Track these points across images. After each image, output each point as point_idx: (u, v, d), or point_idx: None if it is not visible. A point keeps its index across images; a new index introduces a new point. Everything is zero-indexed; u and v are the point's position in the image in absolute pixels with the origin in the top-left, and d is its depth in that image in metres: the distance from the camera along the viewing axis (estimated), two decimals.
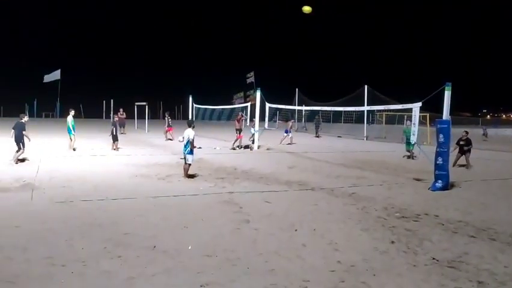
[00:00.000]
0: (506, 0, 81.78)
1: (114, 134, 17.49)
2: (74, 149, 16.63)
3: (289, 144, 22.95)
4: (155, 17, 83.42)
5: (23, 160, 13.32)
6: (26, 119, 13.68)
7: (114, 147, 17.39)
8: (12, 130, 13.09)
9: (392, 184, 11.46)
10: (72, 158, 14.89)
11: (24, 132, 13.07)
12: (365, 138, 29.01)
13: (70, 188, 9.59)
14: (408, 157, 17.14)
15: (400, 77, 79.54)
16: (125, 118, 28.21)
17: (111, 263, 5.23)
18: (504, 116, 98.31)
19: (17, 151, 13.00)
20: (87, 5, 76.81)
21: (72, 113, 16.96)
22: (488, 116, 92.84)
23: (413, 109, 12.63)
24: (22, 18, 73.45)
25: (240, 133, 20.08)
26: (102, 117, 50.02)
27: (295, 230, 6.81)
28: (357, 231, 6.89)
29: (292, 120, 27.03)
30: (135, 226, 6.78)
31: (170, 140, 23.06)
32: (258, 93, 20.90)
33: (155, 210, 7.90)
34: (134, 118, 33.81)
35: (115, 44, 75.72)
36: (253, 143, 20.28)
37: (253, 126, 21.06)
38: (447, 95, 10.87)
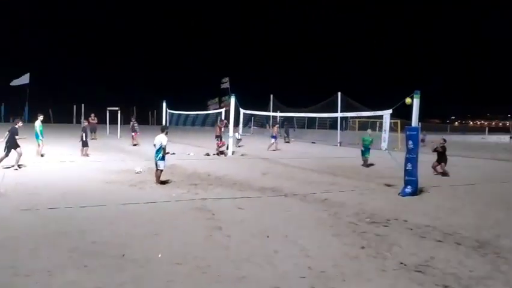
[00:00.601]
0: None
1: (84, 139, 17.13)
2: (42, 155, 16.19)
3: (274, 150, 23.11)
4: (133, 20, 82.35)
5: None
6: (20, 124, 13.46)
7: (84, 153, 17.02)
8: (7, 133, 12.96)
9: (363, 190, 11.63)
10: (40, 164, 14.48)
11: (16, 137, 12.92)
12: (338, 144, 29.35)
13: (36, 195, 9.31)
14: (364, 165, 16.82)
15: (374, 84, 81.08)
16: (96, 123, 27.67)
17: (78, 272, 5.10)
18: (471, 123, 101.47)
19: (5, 156, 12.87)
20: (57, 5, 74.91)
21: (40, 118, 16.53)
22: (456, 123, 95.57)
23: (384, 116, 12.86)
24: None
25: (220, 140, 20.03)
26: (72, 122, 48.91)
27: (268, 237, 6.82)
28: (328, 237, 6.95)
29: (277, 125, 27.17)
30: (104, 234, 6.64)
31: (136, 145, 22.85)
32: (233, 99, 20.89)
33: (125, 218, 7.76)
34: (106, 123, 33.21)
35: (88, 48, 74.41)
36: (227, 148, 20.24)
37: (238, 132, 21.32)
38: (416, 102, 11.13)
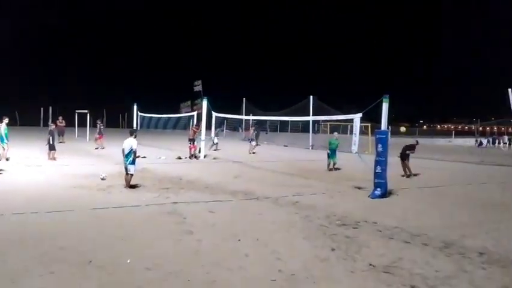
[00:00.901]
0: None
1: (51, 143, 16.69)
2: (7, 159, 15.67)
3: (253, 153, 23.36)
4: (98, 22, 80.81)
5: None
6: (6, 120, 13.00)
7: (51, 157, 16.58)
8: None
9: (334, 192, 11.77)
10: (5, 168, 13.99)
11: None
12: (310, 147, 29.64)
13: (1, 201, 8.99)
14: (329, 169, 16.72)
15: (345, 88, 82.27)
16: (64, 126, 27.02)
17: (43, 280, 4.95)
18: (439, 126, 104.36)
19: None
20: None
21: (6, 120, 15.98)
22: (425, 126, 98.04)
23: (354, 119, 13.08)
24: None
25: (193, 143, 19.88)
26: (40, 125, 47.58)
27: (239, 240, 6.80)
28: (299, 239, 6.99)
29: (253, 128, 27.16)
30: (71, 240, 6.47)
31: (101, 148, 22.52)
32: (205, 102, 20.78)
33: (94, 223, 7.59)
34: (75, 126, 32.45)
35: (55, 48, 72.44)
36: (199, 152, 20.12)
37: (217, 135, 21.33)
38: (385, 106, 11.38)
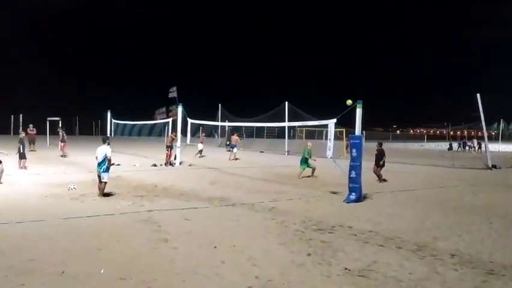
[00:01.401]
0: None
1: (21, 151, 16.27)
2: None
3: (236, 159, 23.52)
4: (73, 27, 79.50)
5: None
6: None
7: (21, 166, 16.15)
8: None
9: (310, 197, 11.86)
10: None
11: None
12: (286, 153, 29.81)
13: None
14: (299, 176, 16.33)
15: (319, 94, 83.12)
16: (35, 134, 26.36)
17: None
18: (412, 131, 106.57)
19: None
20: None
21: None
22: (398, 131, 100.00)
23: (329, 125, 13.23)
24: None
25: (170, 150, 19.70)
26: (10, 133, 46.28)
27: (215, 247, 6.76)
28: (275, 245, 7.00)
29: (236, 134, 27.15)
30: (42, 251, 6.30)
31: (65, 156, 22.09)
32: (180, 109, 20.66)
33: (66, 233, 7.41)
34: (47, 134, 31.71)
35: (27, 55, 70.72)
36: (175, 158, 19.96)
37: (202, 142, 21.32)
38: (358, 112, 11.57)
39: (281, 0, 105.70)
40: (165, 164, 19.48)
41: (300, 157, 17.26)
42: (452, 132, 58.99)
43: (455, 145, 44.25)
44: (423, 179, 17.47)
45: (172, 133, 20.87)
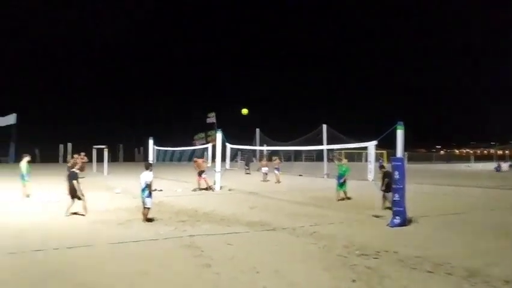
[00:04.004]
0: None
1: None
2: (27, 196, 15.91)
3: (279, 182, 23.94)
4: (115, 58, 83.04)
5: None
6: (27, 158, 13.85)
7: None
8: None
9: (352, 221, 11.63)
10: (25, 205, 14.23)
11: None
12: (325, 176, 29.45)
13: (21, 239, 9.09)
14: (340, 199, 15.85)
15: (358, 116, 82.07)
16: (85, 162, 27.38)
17: None
18: (457, 151, 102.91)
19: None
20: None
21: (27, 158, 16.33)
22: (442, 151, 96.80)
23: (369, 147, 13.06)
24: None
25: (200, 175, 19.94)
26: (58, 162, 48.43)
27: (257, 272, 6.74)
28: (318, 270, 6.90)
29: (277, 158, 27.32)
30: (91, 275, 6.51)
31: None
32: (219, 134, 21.00)
33: (113, 257, 7.62)
34: (93, 161, 32.98)
35: (73, 86, 74.40)
36: (215, 183, 20.17)
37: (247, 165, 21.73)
38: (399, 133, 11.37)
39: (318, 27, 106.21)
40: (205, 189, 19.66)
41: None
42: (500, 152, 56.56)
43: (504, 165, 42.31)
44: (472, 201, 16.75)
45: (197, 159, 21.09)
